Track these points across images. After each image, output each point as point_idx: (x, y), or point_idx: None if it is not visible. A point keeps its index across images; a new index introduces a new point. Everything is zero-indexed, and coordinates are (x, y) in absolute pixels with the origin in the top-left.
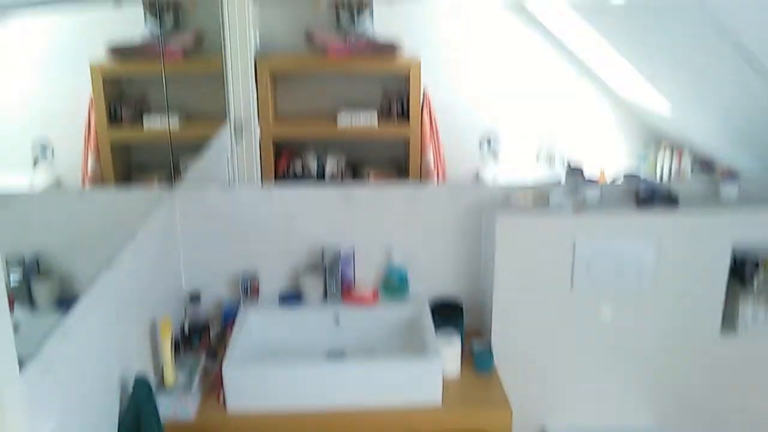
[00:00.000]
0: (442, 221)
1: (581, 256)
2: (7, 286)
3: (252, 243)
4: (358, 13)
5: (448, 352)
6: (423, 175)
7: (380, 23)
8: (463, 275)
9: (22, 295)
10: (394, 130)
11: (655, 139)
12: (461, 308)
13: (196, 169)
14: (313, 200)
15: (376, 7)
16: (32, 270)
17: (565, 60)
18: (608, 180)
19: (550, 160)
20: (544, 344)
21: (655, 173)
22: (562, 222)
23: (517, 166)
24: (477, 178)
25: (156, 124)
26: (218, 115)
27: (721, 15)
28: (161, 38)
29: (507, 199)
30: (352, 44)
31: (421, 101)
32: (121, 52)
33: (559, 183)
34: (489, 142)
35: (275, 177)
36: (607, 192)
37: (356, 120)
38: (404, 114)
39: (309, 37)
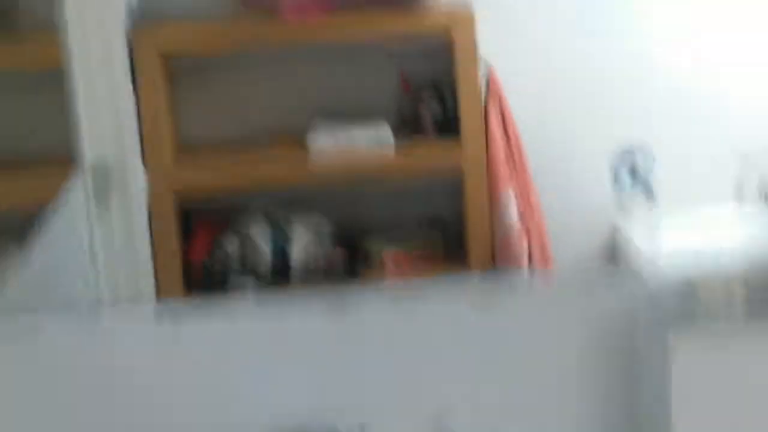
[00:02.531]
0: (549, 353)
1: None
2: None
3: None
4: None
5: None
6: (500, 251)
7: None
8: None
9: None
10: (430, 156)
11: None
12: None
13: (16, 278)
14: (269, 332)
15: None
16: None
17: None
18: None
19: (765, 197)
20: None
21: None
22: None
23: (697, 216)
24: (614, 244)
25: None
26: (59, 156)
27: None
28: None
29: (689, 297)
30: None
31: (484, 94)
32: None
33: None
34: (633, 167)
35: (186, 280)
36: None
37: (348, 141)
38: (449, 123)
39: None
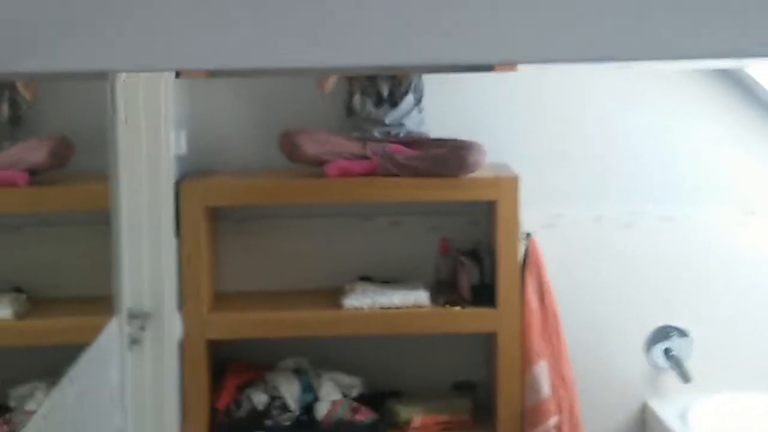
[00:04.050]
0: None
1: None
2: None
3: None
4: (392, 94)
5: None
6: (529, 422)
7: (435, 111)
8: None
9: None
10: (464, 319)
11: None
12: None
13: (45, 417)
14: None
15: (430, 83)
16: None
17: None
18: None
19: None
20: None
21: None
22: None
23: (730, 402)
24: (645, 422)
25: None
26: (98, 298)
27: None
28: None
29: None
30: (378, 152)
31: (522, 261)
32: None
33: None
34: (668, 347)
35: (213, 423)
36: None
37: (384, 302)
38: (486, 290)
39: (287, 144)
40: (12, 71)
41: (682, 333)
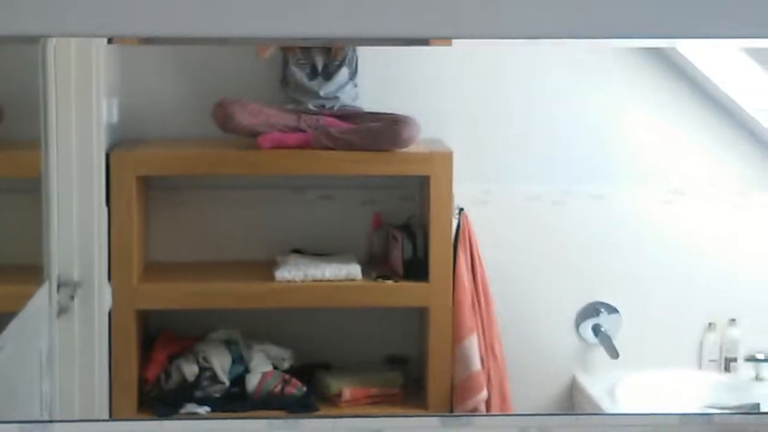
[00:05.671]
0: None
1: None
2: None
3: None
4: (326, 67)
5: None
6: (459, 395)
7: (369, 85)
8: None
9: None
10: (397, 293)
11: None
12: None
13: None
14: None
15: (364, 57)
16: None
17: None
18: None
19: (727, 361)
20: None
21: None
22: None
23: (657, 373)
24: (573, 397)
25: None
26: (26, 267)
27: None
28: None
29: None
30: (312, 125)
31: (454, 236)
32: None
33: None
34: (597, 324)
35: (142, 394)
36: None
37: (316, 275)
38: (418, 264)
39: (221, 114)
40: None
41: (612, 310)
